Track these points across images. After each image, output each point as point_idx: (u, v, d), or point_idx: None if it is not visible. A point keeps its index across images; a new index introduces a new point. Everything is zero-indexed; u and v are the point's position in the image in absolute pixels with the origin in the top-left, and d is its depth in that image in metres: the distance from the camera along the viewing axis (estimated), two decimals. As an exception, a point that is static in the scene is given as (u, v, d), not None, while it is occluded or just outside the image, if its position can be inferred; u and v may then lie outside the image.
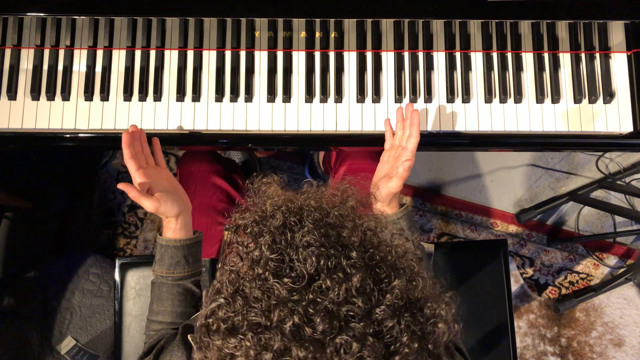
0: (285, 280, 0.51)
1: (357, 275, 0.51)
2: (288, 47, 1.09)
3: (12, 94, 1.06)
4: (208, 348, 0.53)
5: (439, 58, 1.10)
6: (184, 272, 0.94)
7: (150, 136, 1.09)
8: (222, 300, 0.54)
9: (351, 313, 0.49)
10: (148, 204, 0.86)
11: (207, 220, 1.21)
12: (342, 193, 0.64)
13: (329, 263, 0.52)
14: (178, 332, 0.81)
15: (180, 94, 1.08)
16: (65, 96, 1.07)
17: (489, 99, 1.08)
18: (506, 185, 1.98)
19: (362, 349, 0.48)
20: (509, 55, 1.10)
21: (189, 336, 0.75)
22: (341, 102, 1.08)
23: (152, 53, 1.08)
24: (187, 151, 1.39)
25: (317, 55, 1.09)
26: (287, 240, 0.54)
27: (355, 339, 0.48)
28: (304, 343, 0.48)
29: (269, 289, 0.51)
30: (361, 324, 0.49)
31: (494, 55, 1.10)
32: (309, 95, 1.08)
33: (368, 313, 0.50)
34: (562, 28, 1.11)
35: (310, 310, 0.49)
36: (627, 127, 1.08)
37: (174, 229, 0.93)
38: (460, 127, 1.08)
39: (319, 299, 0.50)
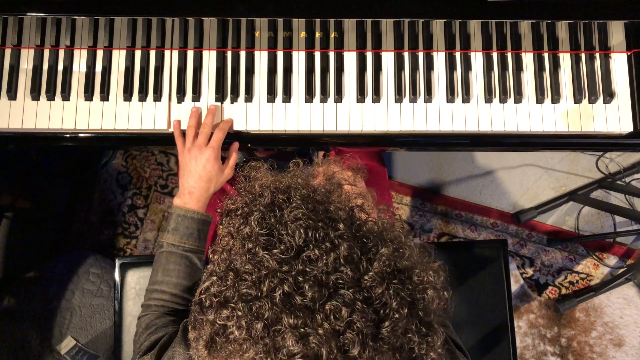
0: (275, 252, 0.52)
1: (345, 245, 0.52)
2: (288, 47, 1.09)
3: (12, 94, 1.06)
4: (201, 325, 0.54)
5: (439, 58, 1.10)
6: (195, 245, 0.98)
7: (149, 136, 1.09)
8: (214, 278, 0.55)
9: (340, 281, 0.50)
10: (234, 155, 1.02)
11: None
12: (328, 169, 0.66)
13: (317, 235, 0.53)
14: (179, 330, 0.81)
15: (181, 94, 1.08)
16: (65, 96, 1.07)
17: (489, 99, 1.08)
18: (506, 185, 1.98)
19: (351, 314, 0.48)
20: (509, 55, 1.10)
21: (186, 320, 0.77)
22: (341, 102, 1.08)
23: (152, 53, 1.08)
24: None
25: (317, 55, 1.09)
26: (276, 216, 0.55)
27: (344, 304, 0.49)
28: (294, 311, 0.48)
29: (259, 262, 0.52)
30: (350, 290, 0.50)
31: (494, 55, 1.10)
32: (309, 95, 1.08)
33: (357, 281, 0.51)
34: (562, 28, 1.11)
35: (300, 279, 0.50)
36: (627, 127, 1.08)
37: (198, 196, 0.99)
38: (460, 127, 1.08)
39: (308, 269, 0.51)
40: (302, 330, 0.48)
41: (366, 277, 0.51)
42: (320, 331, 0.48)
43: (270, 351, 0.48)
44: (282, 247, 0.52)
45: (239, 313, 0.50)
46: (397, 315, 0.51)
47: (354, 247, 0.53)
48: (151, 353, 0.82)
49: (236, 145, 1.07)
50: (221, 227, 0.67)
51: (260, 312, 0.49)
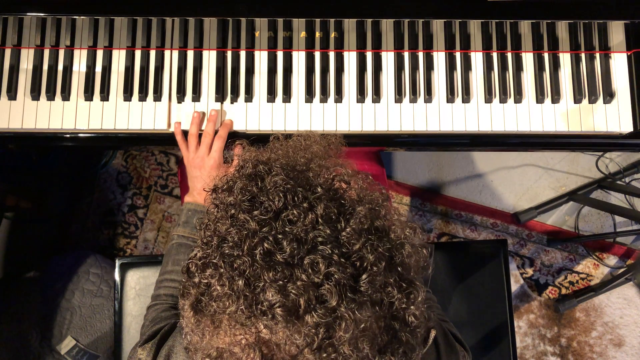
0: (255, 213, 0.54)
1: (322, 205, 0.54)
2: (288, 47, 1.09)
3: (12, 94, 1.06)
4: (188, 290, 0.56)
5: (439, 58, 1.10)
6: None
7: (149, 136, 1.09)
8: (199, 243, 0.57)
9: (319, 238, 0.52)
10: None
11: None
12: (305, 140, 0.69)
13: (296, 198, 0.55)
14: (180, 320, 0.82)
15: (181, 94, 1.08)
16: (65, 96, 1.07)
17: (489, 99, 1.08)
18: (506, 185, 1.98)
19: (329, 266, 0.50)
20: (509, 55, 1.10)
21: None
22: (341, 102, 1.08)
23: (152, 53, 1.08)
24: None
25: (317, 55, 1.09)
26: (257, 185, 0.58)
27: (322, 257, 0.50)
28: (274, 266, 0.50)
29: (241, 225, 0.54)
30: (328, 246, 0.51)
31: (494, 55, 1.10)
32: (309, 95, 1.08)
33: (335, 238, 0.53)
34: (562, 28, 1.11)
35: (280, 237, 0.52)
36: (627, 127, 1.08)
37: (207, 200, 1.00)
38: (460, 127, 1.08)
39: (287, 229, 0.52)
40: (280, 283, 0.50)
41: (343, 234, 0.53)
42: (299, 283, 0.49)
43: (252, 304, 0.50)
44: (262, 209, 0.54)
45: (221, 270, 0.52)
46: (374, 269, 0.52)
47: (332, 207, 0.55)
48: (152, 342, 0.82)
49: (240, 148, 1.07)
50: (207, 201, 0.70)
51: (241, 269, 0.51)
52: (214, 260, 0.53)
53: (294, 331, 0.49)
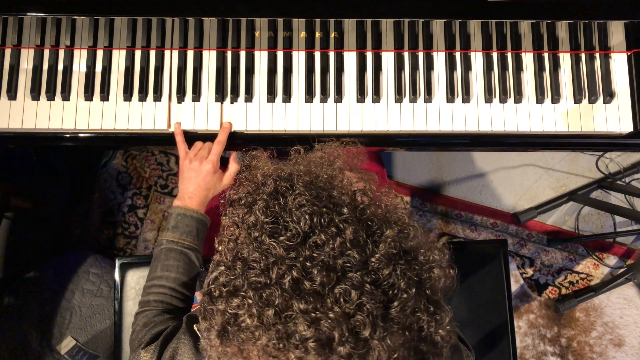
0: (281, 239, 0.52)
1: (350, 229, 0.52)
2: (288, 47, 1.09)
3: (12, 94, 1.06)
4: (212, 315, 0.54)
5: (439, 58, 1.10)
6: (194, 243, 1.00)
7: (149, 136, 1.09)
8: (222, 268, 0.55)
9: (347, 265, 0.51)
10: (234, 165, 1.06)
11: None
12: (329, 155, 0.66)
13: (322, 220, 0.53)
14: (183, 322, 0.83)
15: (181, 94, 1.08)
16: (65, 96, 1.07)
17: (489, 99, 1.08)
18: (506, 185, 1.98)
19: (360, 296, 0.49)
20: (509, 55, 1.10)
21: (194, 326, 0.78)
22: (341, 102, 1.08)
23: (152, 53, 1.08)
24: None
25: (317, 55, 1.09)
26: (280, 204, 0.56)
27: (353, 287, 0.49)
28: (304, 296, 0.49)
29: (267, 250, 0.52)
30: (358, 273, 0.50)
31: (494, 55, 1.10)
32: (309, 95, 1.08)
33: (364, 263, 0.51)
34: (562, 28, 1.11)
35: (308, 265, 0.50)
36: (627, 127, 1.08)
37: (198, 202, 1.02)
38: (460, 127, 1.08)
39: (315, 254, 0.51)
40: (313, 315, 0.48)
41: (373, 259, 0.52)
42: (331, 315, 0.48)
43: (283, 337, 0.49)
44: (288, 234, 0.52)
45: (250, 301, 0.50)
46: (405, 295, 0.51)
47: (359, 231, 0.53)
48: (155, 344, 0.82)
49: (235, 154, 1.09)
50: (225, 217, 0.68)
51: (271, 299, 0.49)
52: (241, 290, 0.51)
53: None
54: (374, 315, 0.49)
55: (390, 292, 0.51)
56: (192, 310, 0.92)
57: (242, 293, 0.51)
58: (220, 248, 0.59)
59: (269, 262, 0.51)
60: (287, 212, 0.54)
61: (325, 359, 0.48)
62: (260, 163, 0.67)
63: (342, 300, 0.49)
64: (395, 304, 0.51)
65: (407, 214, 0.59)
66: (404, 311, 0.51)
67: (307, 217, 0.53)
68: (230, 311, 0.52)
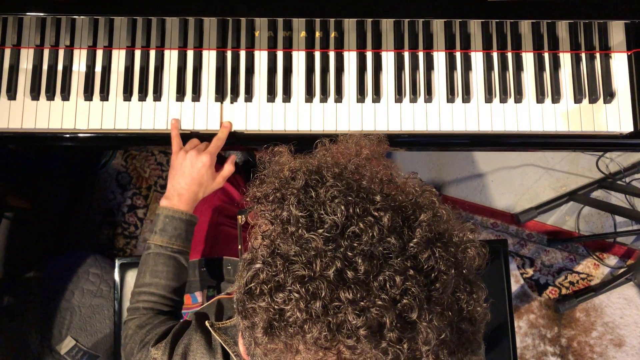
0: (320, 231, 0.52)
1: (386, 216, 0.53)
2: (288, 47, 1.09)
3: (11, 94, 1.06)
4: (255, 313, 0.54)
5: (439, 58, 1.10)
6: (182, 246, 0.99)
7: (149, 136, 1.09)
8: (259, 265, 0.54)
9: (387, 251, 0.51)
10: (229, 166, 1.05)
11: (208, 220, 1.21)
12: (356, 145, 0.66)
13: (357, 209, 0.53)
14: (193, 319, 0.83)
15: (180, 94, 1.07)
16: (65, 96, 1.07)
17: (489, 98, 1.08)
18: (506, 185, 1.98)
19: (405, 281, 0.50)
20: (509, 55, 1.10)
21: (206, 322, 0.79)
22: (341, 102, 1.08)
23: (152, 53, 1.08)
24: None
25: (317, 55, 1.09)
26: (312, 197, 0.55)
27: (397, 273, 0.50)
28: (350, 285, 0.49)
29: (306, 243, 0.52)
30: (399, 259, 0.51)
31: (494, 55, 1.10)
32: (309, 95, 1.08)
33: (403, 249, 0.52)
34: (562, 28, 1.11)
35: (349, 254, 0.51)
36: (627, 127, 1.08)
37: (187, 199, 1.00)
38: (460, 127, 1.08)
39: (355, 244, 0.51)
40: (361, 303, 0.49)
41: (411, 244, 0.52)
42: (379, 302, 0.49)
43: (333, 328, 0.49)
44: (325, 226, 0.52)
45: (296, 295, 0.50)
46: (445, 277, 0.52)
47: (395, 217, 0.53)
48: (165, 340, 0.82)
49: (233, 157, 1.08)
50: (240, 217, 0.67)
51: (317, 292, 0.50)
52: (286, 285, 0.51)
53: (379, 350, 0.48)
54: (420, 299, 0.50)
55: (432, 274, 0.52)
56: (199, 308, 0.92)
57: (288, 288, 0.51)
58: (254, 245, 0.58)
59: (310, 255, 0.51)
60: (321, 205, 0.54)
61: (377, 345, 0.48)
62: (283, 158, 0.66)
63: (387, 286, 0.49)
64: (437, 285, 0.51)
65: (435, 196, 0.60)
66: (445, 292, 0.52)
67: (342, 207, 0.53)
68: (275, 307, 0.52)
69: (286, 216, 0.55)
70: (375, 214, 0.53)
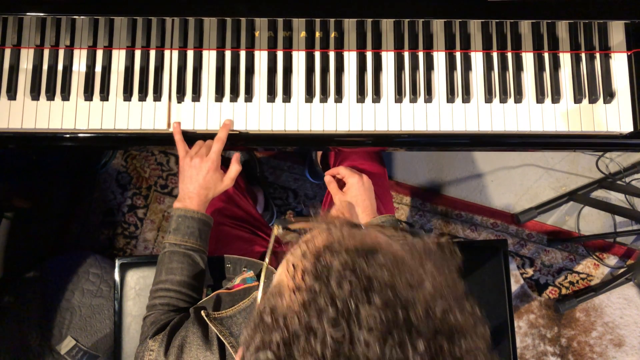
0: None
1: None
2: (288, 47, 1.09)
3: (11, 94, 1.06)
4: None
5: (439, 58, 1.10)
6: (197, 244, 1.01)
7: (149, 136, 1.09)
8: (270, 356, 0.47)
9: None
10: (235, 166, 1.06)
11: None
12: (420, 271, 0.51)
13: (394, 353, 0.44)
14: (191, 312, 0.84)
15: (180, 94, 1.07)
16: (65, 96, 1.07)
17: (489, 98, 1.08)
18: (506, 185, 1.98)
19: None
20: (509, 55, 1.10)
21: (202, 312, 0.79)
22: (341, 102, 1.08)
23: (152, 53, 1.08)
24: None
25: (317, 55, 1.09)
26: (350, 314, 0.46)
27: None
28: None
29: None
30: None
31: (494, 55, 1.10)
32: (309, 95, 1.08)
33: None
34: (562, 28, 1.11)
35: None
36: (627, 127, 1.08)
37: (198, 202, 1.02)
38: (460, 127, 1.08)
39: None
40: None
41: None
42: None
43: None
44: (353, 358, 0.44)
45: None
46: None
47: None
48: (162, 333, 0.83)
49: (237, 155, 1.08)
50: (276, 227, 0.59)
51: None
52: None
53: None
54: None
55: None
56: (199, 303, 0.93)
57: None
58: (268, 320, 0.48)
59: None
60: (356, 326, 0.45)
61: None
62: (334, 229, 0.53)
63: None
64: None
65: (485, 341, 0.49)
66: None
67: (377, 346, 0.44)
68: None
69: (315, 326, 0.46)
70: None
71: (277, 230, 0.63)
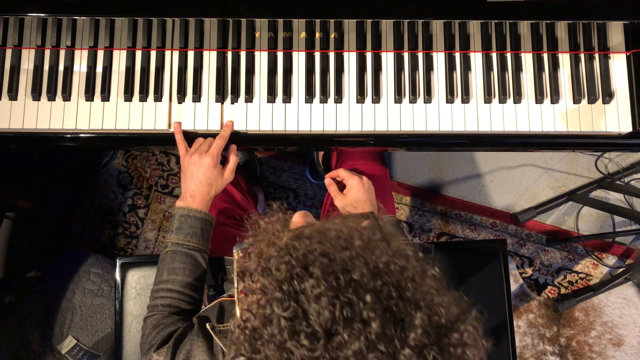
0: (303, 341, 0.48)
1: (376, 321, 0.48)
2: (288, 47, 1.10)
3: (13, 94, 1.06)
4: None
5: (439, 58, 1.10)
6: (199, 244, 1.00)
7: (150, 136, 1.10)
8: (242, 359, 0.51)
9: None
10: (233, 158, 1.06)
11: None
12: (348, 231, 0.57)
13: (344, 313, 0.48)
14: (195, 323, 0.83)
15: (181, 95, 1.08)
16: (66, 96, 1.07)
17: (488, 99, 1.09)
18: (506, 185, 1.98)
19: None
20: (509, 55, 1.11)
21: (207, 325, 0.79)
22: (341, 102, 1.08)
23: (153, 53, 1.09)
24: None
25: (317, 55, 1.09)
26: (296, 292, 0.50)
27: None
28: None
29: (288, 351, 0.49)
30: None
31: (494, 55, 1.10)
32: (309, 95, 1.08)
33: (392, 356, 0.48)
34: (561, 28, 1.11)
35: None
36: (626, 127, 1.08)
37: (200, 200, 1.01)
38: (459, 127, 1.08)
39: (340, 353, 0.47)
40: None
41: (404, 353, 0.48)
42: None
43: None
44: (309, 332, 0.48)
45: None
46: None
47: (386, 323, 0.48)
48: (166, 346, 0.83)
49: (234, 147, 1.08)
50: (236, 252, 0.64)
51: None
52: None
53: None
54: None
55: None
56: (201, 311, 0.93)
57: None
58: (236, 332, 0.54)
59: None
60: (306, 302, 0.49)
61: None
62: (269, 226, 0.60)
63: None
64: None
65: (436, 286, 0.53)
66: None
67: (327, 311, 0.48)
68: None
69: (269, 313, 0.50)
70: (365, 317, 0.48)
71: (237, 255, 0.69)
